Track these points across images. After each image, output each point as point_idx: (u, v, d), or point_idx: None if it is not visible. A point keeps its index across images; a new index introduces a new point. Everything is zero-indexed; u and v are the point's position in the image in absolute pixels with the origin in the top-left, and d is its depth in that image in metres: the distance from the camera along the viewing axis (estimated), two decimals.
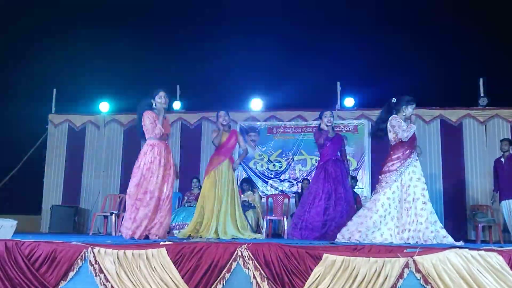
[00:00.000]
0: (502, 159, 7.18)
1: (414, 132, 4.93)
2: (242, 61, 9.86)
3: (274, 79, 10.03)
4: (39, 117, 10.17)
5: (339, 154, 5.92)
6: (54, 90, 10.31)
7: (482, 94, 9.15)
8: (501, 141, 7.49)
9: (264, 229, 7.76)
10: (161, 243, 3.71)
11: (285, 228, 7.88)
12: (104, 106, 10.14)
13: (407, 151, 4.88)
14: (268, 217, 8.05)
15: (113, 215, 8.24)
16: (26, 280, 3.56)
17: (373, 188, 8.73)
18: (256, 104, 9.82)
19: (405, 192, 4.79)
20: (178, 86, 10.16)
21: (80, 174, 9.97)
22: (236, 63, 9.88)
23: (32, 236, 4.47)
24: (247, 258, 3.48)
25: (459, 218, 8.81)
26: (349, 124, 9.47)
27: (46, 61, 9.89)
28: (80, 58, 10.01)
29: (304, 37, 10.28)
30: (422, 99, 8.95)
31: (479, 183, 8.86)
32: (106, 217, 8.51)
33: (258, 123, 9.81)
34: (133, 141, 10.04)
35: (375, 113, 9.02)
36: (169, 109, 5.27)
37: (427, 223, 4.67)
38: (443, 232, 4.72)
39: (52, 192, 9.93)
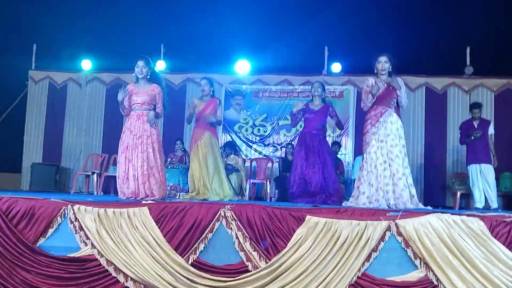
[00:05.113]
0: (474, 123, 6.78)
1: (382, 91, 4.81)
2: (229, 22, 9.61)
3: (261, 42, 9.82)
4: (19, 72, 9.86)
5: (321, 127, 5.82)
6: (34, 45, 9.99)
7: (468, 63, 9.13)
8: (474, 108, 6.89)
9: (247, 192, 7.79)
10: (143, 202, 3.67)
11: (268, 191, 7.93)
12: (86, 64, 9.89)
13: (376, 112, 4.83)
14: (251, 180, 8.07)
15: (95, 174, 8.16)
16: (3, 236, 3.50)
17: (356, 154, 8.86)
18: (243, 66, 9.66)
19: (380, 153, 4.76)
20: (162, 45, 9.92)
21: (61, 132, 9.79)
22: (223, 24, 9.64)
23: (11, 193, 4.38)
24: (230, 219, 3.48)
25: (439, 185, 8.94)
26: (335, 90, 9.41)
27: (25, 14, 9.51)
28: (61, 13, 9.63)
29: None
30: (409, 66, 8.96)
31: (459, 151, 8.93)
32: (88, 176, 8.42)
33: (244, 86, 9.70)
34: (115, 100, 9.83)
35: (361, 79, 8.97)
36: (154, 78, 5.06)
37: (403, 185, 4.67)
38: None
39: (33, 150, 9.75)
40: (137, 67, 4.97)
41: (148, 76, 4.99)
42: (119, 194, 4.85)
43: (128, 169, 4.78)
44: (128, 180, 4.76)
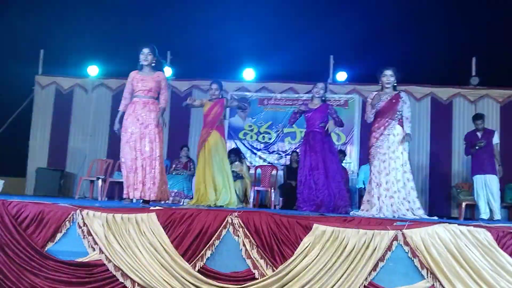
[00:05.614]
0: (478, 134, 6.88)
1: (383, 105, 4.86)
2: (235, 30, 9.66)
3: (266, 50, 9.86)
4: (26, 78, 9.91)
5: (323, 124, 5.84)
6: (42, 51, 10.07)
7: (473, 74, 9.15)
8: (476, 119, 7.01)
9: (252, 200, 7.79)
10: (151, 207, 3.69)
11: (272, 199, 7.93)
12: (93, 70, 9.95)
13: (379, 124, 4.88)
14: (255, 187, 8.08)
15: (100, 180, 8.17)
16: (13, 240, 3.53)
17: (361, 163, 8.87)
18: (248, 74, 9.71)
19: (384, 166, 4.79)
20: (168, 52, 9.97)
21: (67, 138, 9.82)
22: (229, 31, 9.69)
23: (17, 197, 4.40)
24: (237, 226, 3.49)
25: (444, 195, 8.92)
26: (340, 99, 9.45)
27: (33, 20, 9.59)
28: (69, 19, 9.70)
29: (299, 7, 10.10)
30: (414, 76, 8.98)
31: (465, 162, 8.93)
32: (92, 181, 8.44)
33: (249, 94, 9.73)
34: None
35: (366, 88, 9.01)
36: (158, 67, 5.07)
37: (402, 198, 4.70)
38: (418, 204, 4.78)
39: (38, 154, 9.77)
40: (142, 54, 4.93)
41: (153, 64, 4.97)
42: (125, 188, 4.71)
43: (136, 159, 4.71)
44: (137, 170, 4.69)
